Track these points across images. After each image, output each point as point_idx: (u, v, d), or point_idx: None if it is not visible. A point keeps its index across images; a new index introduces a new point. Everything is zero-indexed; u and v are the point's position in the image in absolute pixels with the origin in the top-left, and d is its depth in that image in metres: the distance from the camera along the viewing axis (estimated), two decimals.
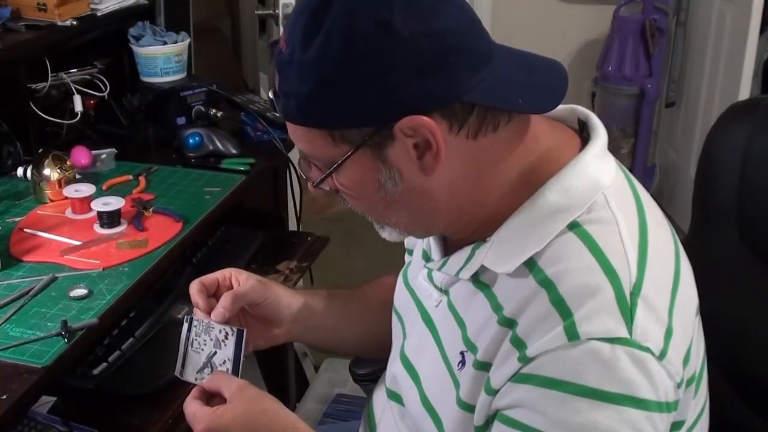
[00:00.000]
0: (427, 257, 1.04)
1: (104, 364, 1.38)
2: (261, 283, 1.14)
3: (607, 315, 0.83)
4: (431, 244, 1.03)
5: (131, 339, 1.45)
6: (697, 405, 0.96)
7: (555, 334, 0.83)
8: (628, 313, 0.83)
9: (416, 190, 0.90)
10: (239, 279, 1.14)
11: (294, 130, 0.91)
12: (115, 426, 1.33)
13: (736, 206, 1.17)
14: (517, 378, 0.86)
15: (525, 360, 0.85)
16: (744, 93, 2.95)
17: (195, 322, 1.10)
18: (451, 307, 0.98)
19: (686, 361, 0.89)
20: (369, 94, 0.84)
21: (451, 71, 0.84)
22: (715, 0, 3.18)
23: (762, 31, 2.96)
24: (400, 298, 1.14)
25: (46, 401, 1.33)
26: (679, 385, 0.87)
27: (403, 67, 0.82)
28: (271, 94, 0.93)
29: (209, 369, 1.08)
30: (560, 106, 0.99)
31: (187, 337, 1.10)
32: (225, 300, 1.09)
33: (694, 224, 1.26)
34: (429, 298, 1.03)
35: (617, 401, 0.82)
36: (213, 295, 1.13)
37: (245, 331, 1.08)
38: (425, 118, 0.84)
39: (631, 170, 3.55)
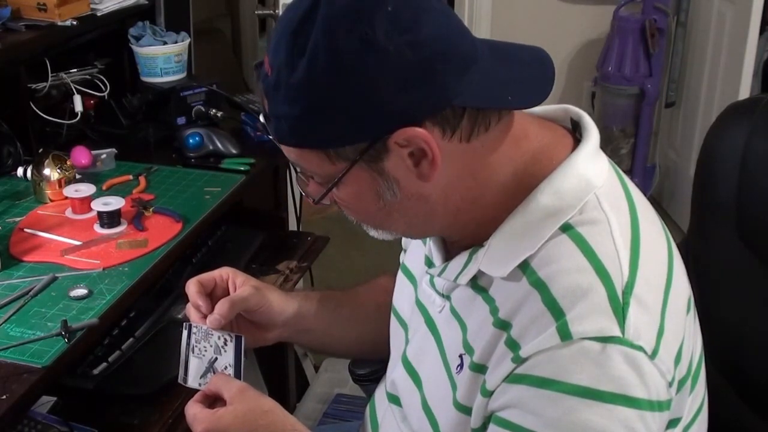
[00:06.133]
0: (429, 263, 1.05)
1: (104, 364, 1.38)
2: (257, 289, 1.14)
3: (600, 315, 0.83)
4: (432, 250, 1.03)
5: (131, 339, 1.45)
6: (694, 402, 0.96)
7: (548, 334, 0.83)
8: (620, 312, 0.83)
9: (414, 198, 0.90)
10: (236, 282, 1.14)
11: (289, 152, 0.91)
12: (115, 426, 1.33)
13: (736, 205, 1.17)
14: (511, 378, 0.86)
15: (519, 360, 0.85)
16: (744, 93, 2.95)
17: (194, 329, 1.09)
18: (453, 311, 0.98)
19: (678, 360, 0.89)
20: (360, 111, 0.84)
21: (438, 78, 0.83)
22: (715, 0, 3.18)
23: (762, 31, 2.96)
24: (403, 301, 1.13)
25: (46, 401, 1.33)
26: (670, 384, 0.87)
27: (391, 80, 0.82)
28: (262, 118, 0.93)
29: (212, 374, 1.08)
30: (553, 106, 0.99)
31: (188, 344, 1.10)
32: (222, 307, 1.09)
33: (694, 224, 1.26)
34: (432, 304, 1.03)
35: (610, 400, 0.82)
36: (210, 294, 1.13)
37: (243, 337, 1.08)
38: (418, 129, 0.84)
39: (631, 170, 3.53)
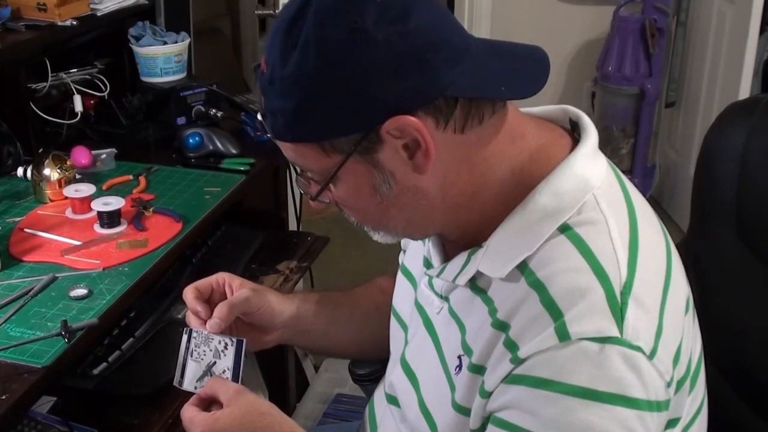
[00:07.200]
0: (428, 264, 1.05)
1: (104, 364, 1.38)
2: (255, 291, 1.14)
3: (598, 315, 0.83)
4: (431, 251, 1.03)
5: (131, 339, 1.45)
6: (693, 402, 0.96)
7: (546, 335, 0.83)
8: (618, 312, 0.84)
9: (411, 191, 0.90)
10: (233, 286, 1.14)
11: (286, 148, 0.92)
12: (115, 426, 1.33)
13: (735, 205, 1.17)
14: (510, 379, 0.86)
15: (517, 361, 0.85)
16: (744, 93, 2.95)
17: (194, 333, 1.09)
18: (452, 313, 0.98)
19: (676, 360, 0.89)
20: (351, 102, 0.84)
21: (429, 68, 0.84)
22: (715, 0, 3.18)
23: (762, 31, 2.96)
24: (403, 302, 1.13)
25: (46, 401, 1.33)
26: (668, 384, 0.87)
27: (382, 70, 0.83)
28: (259, 117, 0.93)
29: (209, 377, 1.08)
30: (551, 107, 0.99)
31: (187, 347, 1.10)
32: (221, 311, 1.09)
33: (694, 224, 1.26)
34: (431, 305, 1.03)
35: (608, 400, 0.82)
36: (207, 300, 1.13)
37: (245, 341, 1.08)
38: (410, 118, 0.84)
39: (631, 170, 3.53)
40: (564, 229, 0.88)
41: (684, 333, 0.92)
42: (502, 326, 0.88)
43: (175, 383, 1.10)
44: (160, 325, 1.51)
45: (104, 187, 1.74)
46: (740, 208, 1.17)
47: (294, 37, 0.84)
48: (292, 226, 2.29)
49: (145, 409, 1.35)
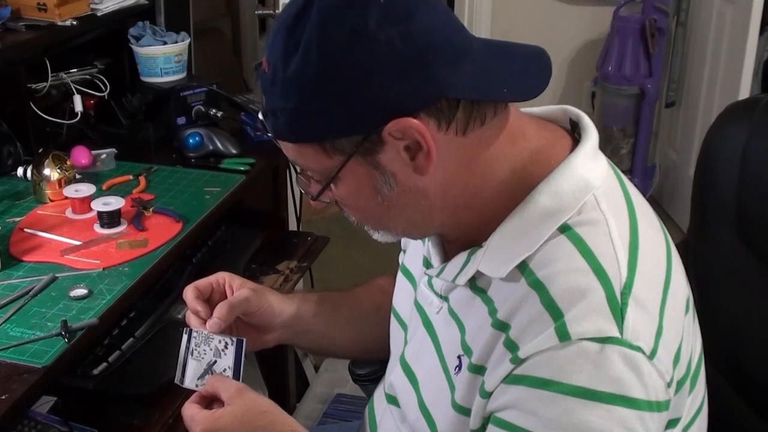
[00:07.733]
0: (427, 264, 1.05)
1: (104, 364, 1.38)
2: (255, 291, 1.14)
3: (598, 315, 0.83)
4: (431, 251, 1.03)
5: (131, 339, 1.45)
6: (693, 403, 0.96)
7: (546, 335, 0.83)
8: (618, 312, 0.84)
9: (411, 192, 0.90)
10: (233, 286, 1.14)
11: (287, 148, 0.92)
12: (115, 426, 1.33)
13: (736, 205, 1.17)
14: (510, 379, 0.86)
15: (517, 361, 0.85)
16: (744, 93, 2.95)
17: (194, 333, 1.09)
18: (452, 312, 0.98)
19: (676, 360, 0.89)
20: (353, 103, 0.84)
21: (431, 69, 0.84)
22: (715, 0, 3.18)
23: (762, 31, 2.96)
24: (402, 302, 1.14)
25: (46, 401, 1.33)
26: (669, 384, 0.87)
27: (383, 71, 0.83)
28: (260, 116, 0.94)
29: (210, 375, 1.08)
30: (552, 107, 0.99)
31: (187, 347, 1.10)
32: (221, 310, 1.09)
33: (694, 224, 1.26)
34: (430, 305, 1.03)
35: (608, 401, 0.82)
36: (207, 299, 1.13)
37: (245, 340, 1.08)
38: (412, 120, 0.84)
39: (631, 170, 3.52)
40: (564, 229, 0.88)
41: (684, 333, 0.92)
42: (502, 326, 0.88)
43: (176, 381, 1.10)
44: (160, 325, 1.51)
45: (104, 187, 1.74)
46: (740, 208, 1.17)
47: (296, 38, 0.84)
48: (292, 226, 2.29)
49: (145, 409, 1.35)
